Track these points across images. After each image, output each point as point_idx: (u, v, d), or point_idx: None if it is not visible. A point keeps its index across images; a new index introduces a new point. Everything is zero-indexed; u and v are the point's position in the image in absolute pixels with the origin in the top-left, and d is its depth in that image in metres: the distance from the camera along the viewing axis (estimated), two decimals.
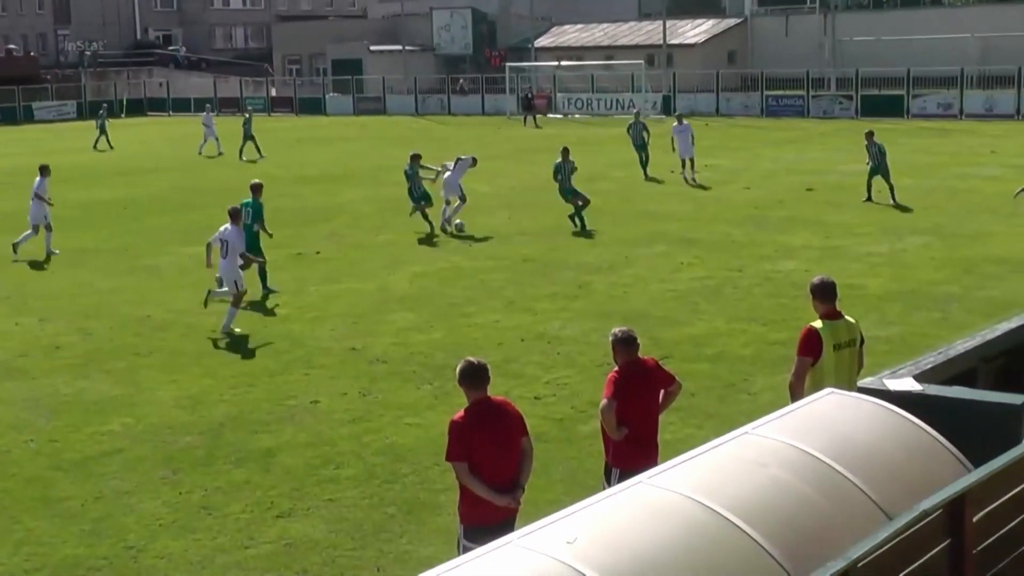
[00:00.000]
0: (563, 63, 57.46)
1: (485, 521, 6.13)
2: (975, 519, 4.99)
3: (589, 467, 8.82)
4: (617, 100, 52.50)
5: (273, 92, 63.88)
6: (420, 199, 20.06)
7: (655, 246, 18.58)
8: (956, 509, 4.89)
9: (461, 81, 60.05)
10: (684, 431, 9.58)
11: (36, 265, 18.82)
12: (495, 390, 6.60)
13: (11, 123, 57.83)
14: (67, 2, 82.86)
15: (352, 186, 27.97)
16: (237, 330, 13.63)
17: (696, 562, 4.38)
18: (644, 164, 27.62)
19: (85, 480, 9.22)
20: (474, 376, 6.29)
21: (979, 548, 5.05)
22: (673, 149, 26.86)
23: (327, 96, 60.92)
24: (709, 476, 4.90)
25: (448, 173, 20.61)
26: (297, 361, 12.46)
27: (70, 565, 7.79)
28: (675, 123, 27.43)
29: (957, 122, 41.88)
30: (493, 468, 6.21)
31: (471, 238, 19.89)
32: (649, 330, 12.41)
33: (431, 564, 4.82)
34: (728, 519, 4.54)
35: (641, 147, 27.72)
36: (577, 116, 51.50)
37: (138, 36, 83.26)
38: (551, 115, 50.95)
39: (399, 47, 63.04)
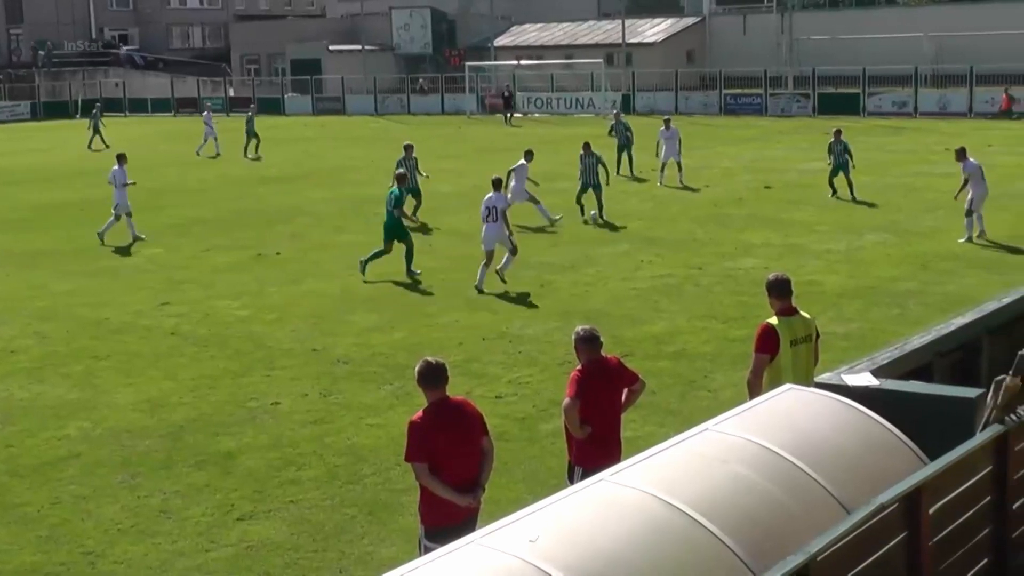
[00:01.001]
0: (523, 62, 57.49)
1: (446, 521, 6.12)
2: (931, 511, 5.06)
3: (551, 466, 8.84)
4: (577, 99, 52.64)
5: (231, 92, 63.36)
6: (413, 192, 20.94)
7: (617, 245, 18.65)
8: (912, 502, 4.96)
9: (421, 81, 59.89)
10: (646, 428, 9.62)
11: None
12: (457, 390, 6.60)
13: None
14: (20, 1, 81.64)
15: (312, 186, 27.80)
16: (485, 290, 15.13)
17: (658, 558, 4.40)
18: (619, 164, 26.87)
19: (42, 486, 9.10)
20: (432, 376, 6.28)
21: (935, 540, 5.12)
22: (657, 155, 26.30)
23: (286, 96, 60.58)
24: (670, 473, 4.92)
25: (513, 183, 20.66)
26: (258, 363, 12.38)
27: (27, 572, 7.69)
28: (662, 127, 26.32)
29: (911, 120, 42.40)
30: (453, 468, 6.20)
31: (432, 236, 19.86)
32: (610, 328, 12.45)
33: (393, 565, 4.81)
34: (689, 515, 4.57)
35: (624, 147, 27.17)
36: (537, 115, 51.55)
37: (93, 36, 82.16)
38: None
39: (358, 47, 62.74)
